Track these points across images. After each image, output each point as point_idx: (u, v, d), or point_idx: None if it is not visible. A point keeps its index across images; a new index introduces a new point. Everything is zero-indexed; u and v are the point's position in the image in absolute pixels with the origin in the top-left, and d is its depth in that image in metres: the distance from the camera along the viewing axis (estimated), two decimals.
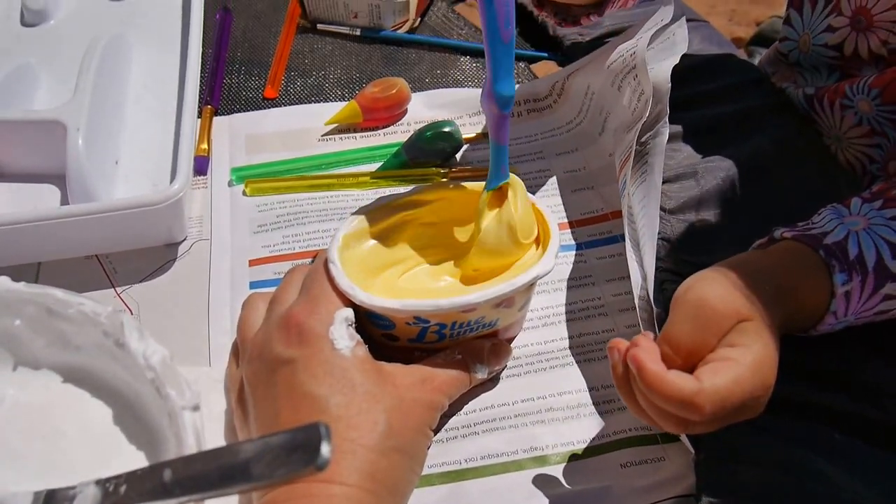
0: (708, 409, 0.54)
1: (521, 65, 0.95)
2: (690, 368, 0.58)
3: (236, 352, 0.66)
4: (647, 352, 0.55)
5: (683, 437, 0.61)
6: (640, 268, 0.66)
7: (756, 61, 1.01)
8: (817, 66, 0.88)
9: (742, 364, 0.55)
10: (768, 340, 0.57)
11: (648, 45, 0.74)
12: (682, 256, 0.74)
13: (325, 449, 0.43)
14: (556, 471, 0.63)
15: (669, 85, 0.69)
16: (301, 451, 0.44)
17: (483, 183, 0.65)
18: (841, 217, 0.65)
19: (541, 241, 0.65)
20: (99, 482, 0.52)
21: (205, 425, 0.58)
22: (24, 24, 0.91)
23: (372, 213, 0.66)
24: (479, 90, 0.89)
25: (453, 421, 0.65)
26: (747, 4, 2.34)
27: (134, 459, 0.53)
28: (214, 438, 0.64)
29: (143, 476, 0.50)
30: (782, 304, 0.60)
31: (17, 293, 0.62)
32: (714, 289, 0.59)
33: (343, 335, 0.58)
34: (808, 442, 0.62)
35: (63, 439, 0.61)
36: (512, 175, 0.65)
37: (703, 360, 0.58)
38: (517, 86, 0.91)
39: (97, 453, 0.61)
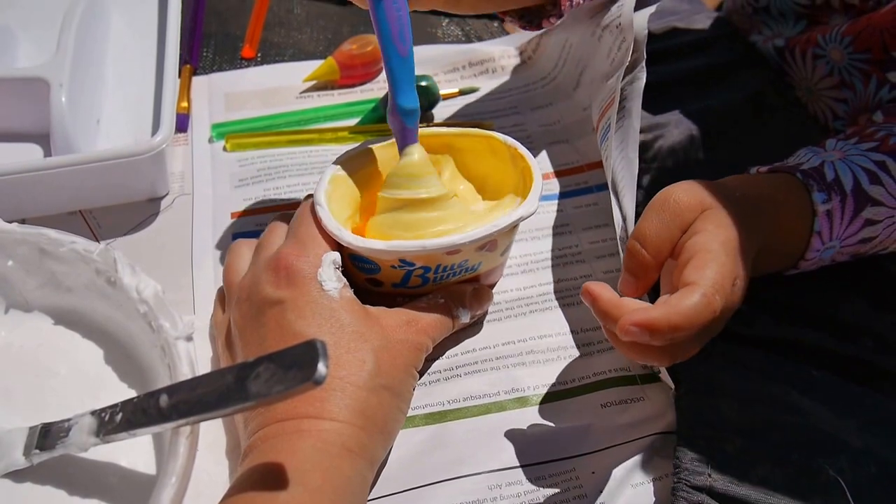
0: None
1: (496, 24, 0.96)
2: (658, 264, 0.61)
3: (222, 298, 0.66)
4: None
5: (663, 373, 0.62)
6: (620, 210, 0.67)
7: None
8: (784, 13, 0.88)
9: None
10: (730, 234, 0.59)
11: None
12: None
13: (322, 364, 0.44)
14: (537, 411, 0.64)
15: (647, 31, 0.69)
16: (298, 367, 0.45)
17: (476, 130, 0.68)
18: (816, 153, 0.67)
19: (523, 185, 0.65)
20: (94, 412, 0.53)
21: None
22: None
23: (358, 156, 0.66)
24: (458, 45, 0.91)
25: (436, 365, 0.66)
26: None
27: (126, 396, 0.53)
28: None
29: (138, 403, 0.51)
30: (758, 218, 0.62)
31: (9, 233, 0.62)
32: (680, 186, 0.62)
33: (331, 277, 0.58)
34: (787, 377, 0.62)
35: (54, 379, 0.62)
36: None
37: (669, 254, 0.60)
38: (492, 42, 0.92)
39: (89, 391, 0.61)
